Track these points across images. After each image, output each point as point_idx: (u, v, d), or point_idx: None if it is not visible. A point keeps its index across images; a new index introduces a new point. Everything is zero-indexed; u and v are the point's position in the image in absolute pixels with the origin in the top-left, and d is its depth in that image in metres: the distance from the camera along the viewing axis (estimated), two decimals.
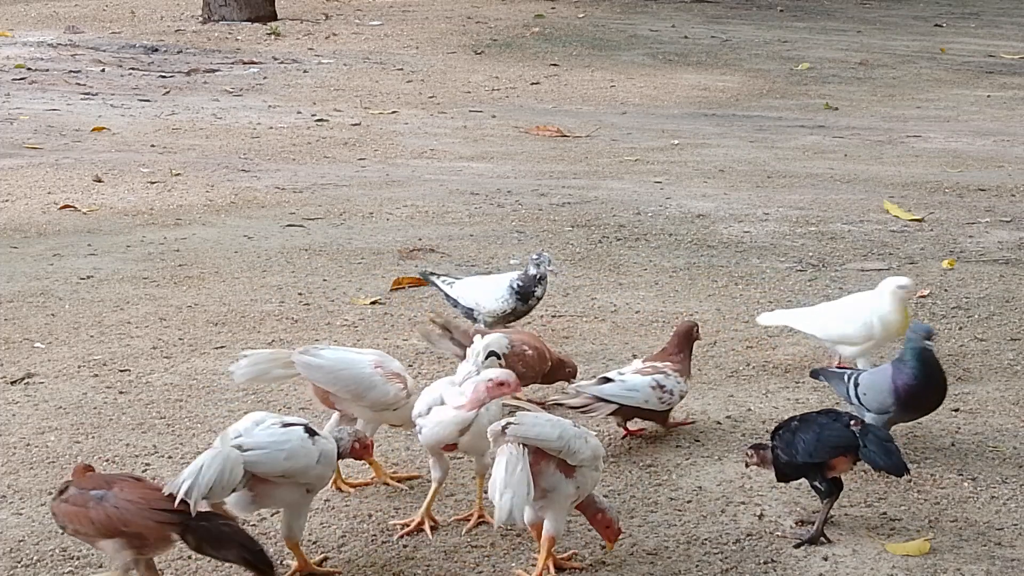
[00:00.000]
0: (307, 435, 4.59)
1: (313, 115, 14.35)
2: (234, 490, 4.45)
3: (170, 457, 5.61)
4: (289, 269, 8.35)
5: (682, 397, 5.80)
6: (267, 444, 4.50)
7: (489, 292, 6.74)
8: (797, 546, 4.88)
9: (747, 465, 5.19)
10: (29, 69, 17.10)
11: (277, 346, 6.92)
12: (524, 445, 4.46)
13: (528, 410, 4.85)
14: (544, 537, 4.60)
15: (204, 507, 4.36)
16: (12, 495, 5.28)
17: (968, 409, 6.16)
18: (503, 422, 4.49)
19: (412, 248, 8.81)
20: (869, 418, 5.35)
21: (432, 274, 7.01)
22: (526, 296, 6.71)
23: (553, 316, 7.51)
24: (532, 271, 6.72)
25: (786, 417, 5.23)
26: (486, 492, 4.63)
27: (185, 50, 19.06)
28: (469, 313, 6.79)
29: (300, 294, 7.85)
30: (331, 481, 5.11)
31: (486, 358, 5.01)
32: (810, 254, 8.80)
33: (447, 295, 6.89)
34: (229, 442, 4.45)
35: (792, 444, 4.93)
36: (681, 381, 5.79)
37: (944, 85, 17.65)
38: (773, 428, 5.11)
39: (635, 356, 6.80)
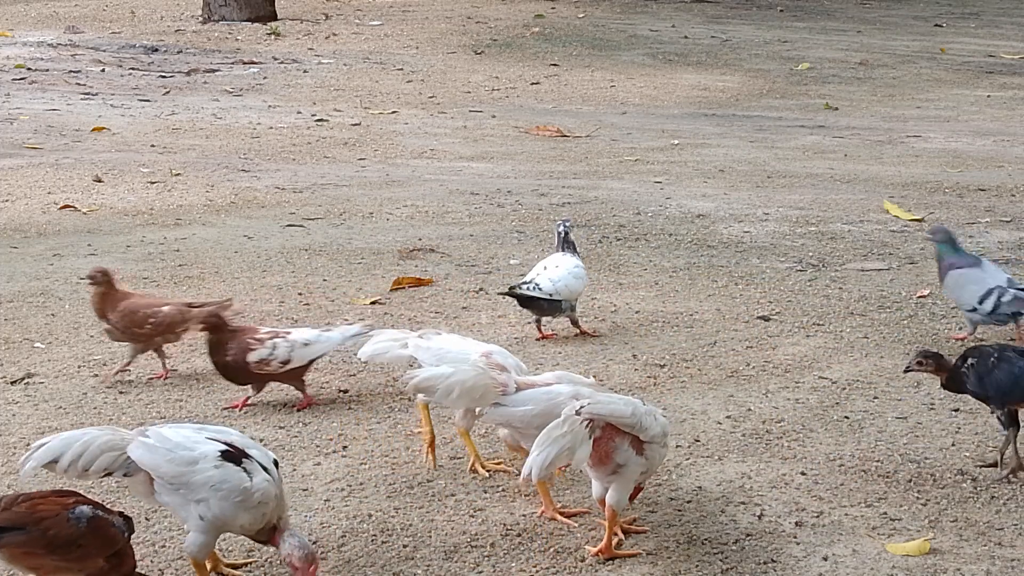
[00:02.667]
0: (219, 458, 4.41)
1: (313, 115, 14.35)
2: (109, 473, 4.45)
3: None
4: (289, 269, 8.35)
5: None
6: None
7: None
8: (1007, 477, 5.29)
9: (909, 369, 5.50)
10: (29, 69, 17.10)
11: None
12: (590, 423, 4.62)
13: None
14: (608, 509, 4.76)
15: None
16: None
17: (968, 409, 6.15)
18: (578, 404, 4.65)
19: (412, 248, 8.81)
20: None
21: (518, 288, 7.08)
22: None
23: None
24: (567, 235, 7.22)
25: (978, 345, 5.53)
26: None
27: (185, 50, 19.06)
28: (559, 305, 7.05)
29: (300, 294, 7.85)
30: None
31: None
32: (810, 254, 8.80)
33: (548, 299, 6.99)
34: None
35: (986, 378, 5.28)
36: None
37: (944, 85, 17.65)
38: (966, 351, 5.43)
39: (635, 356, 6.81)
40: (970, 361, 5.38)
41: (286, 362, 6.06)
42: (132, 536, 4.34)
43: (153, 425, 4.60)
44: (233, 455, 4.39)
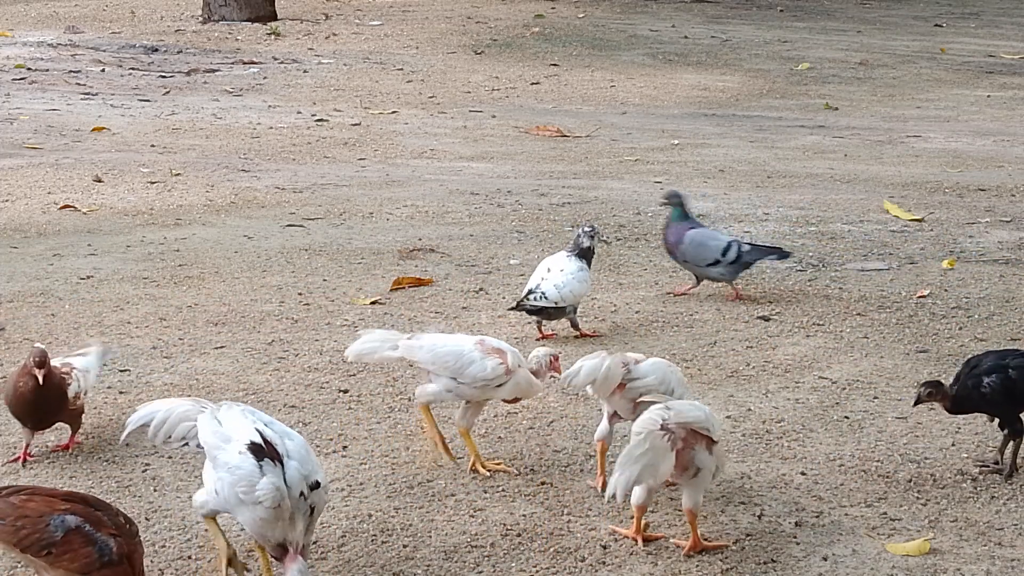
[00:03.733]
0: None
1: (313, 115, 14.35)
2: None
3: (170, 457, 5.61)
4: (289, 269, 8.35)
5: None
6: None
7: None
8: (1007, 477, 5.35)
9: (919, 403, 5.52)
10: (29, 69, 17.10)
11: (277, 346, 6.93)
12: (671, 436, 4.67)
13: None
14: (688, 513, 4.82)
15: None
16: None
17: None
18: (660, 418, 4.69)
19: (412, 248, 8.81)
20: None
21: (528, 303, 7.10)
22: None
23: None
24: (586, 243, 7.20)
25: (970, 362, 5.51)
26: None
27: (185, 50, 19.06)
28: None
29: (300, 294, 7.85)
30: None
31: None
32: (810, 254, 8.80)
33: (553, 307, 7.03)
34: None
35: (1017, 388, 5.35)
36: None
37: (944, 85, 17.65)
38: (959, 372, 5.50)
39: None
40: (990, 379, 5.36)
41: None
42: (120, 557, 4.21)
43: (231, 404, 4.64)
44: (259, 449, 4.37)
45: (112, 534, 4.21)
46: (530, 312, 7.08)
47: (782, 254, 7.99)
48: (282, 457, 4.37)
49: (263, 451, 4.38)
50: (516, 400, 5.63)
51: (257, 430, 4.44)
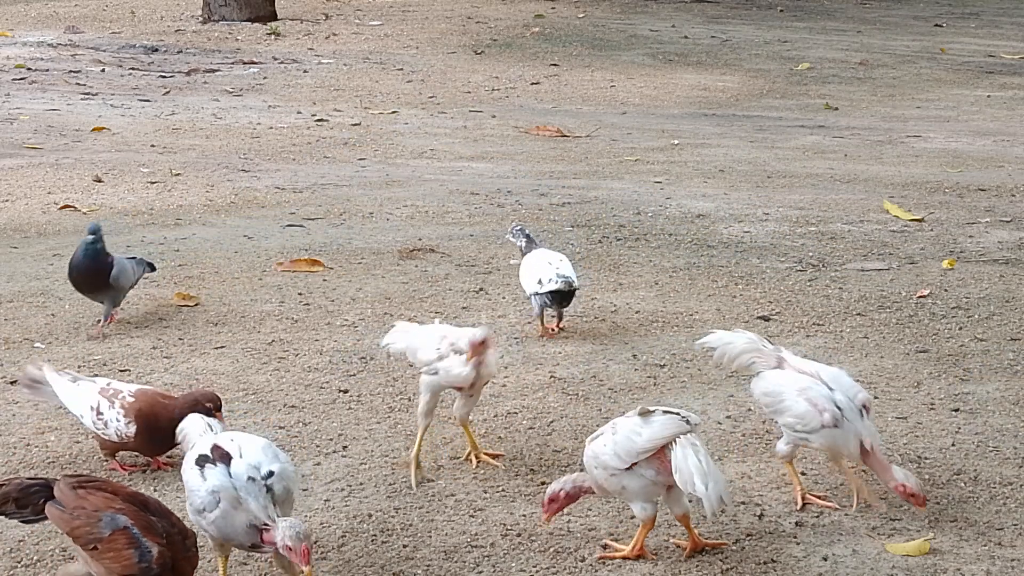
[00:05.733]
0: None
1: (313, 115, 14.35)
2: None
3: (169, 456, 5.61)
4: (290, 269, 8.35)
5: (120, 438, 5.47)
6: None
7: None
8: None
9: None
10: (29, 69, 17.10)
11: (277, 346, 6.93)
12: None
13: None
14: (681, 517, 4.82)
15: None
16: None
17: (968, 409, 6.16)
18: (688, 425, 4.66)
19: (412, 248, 8.81)
20: None
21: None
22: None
23: (553, 316, 7.50)
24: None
25: None
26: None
27: (185, 50, 19.06)
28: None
29: (300, 294, 7.85)
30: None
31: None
32: (810, 254, 8.80)
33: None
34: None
35: None
36: (123, 423, 5.45)
37: (944, 85, 17.65)
38: None
39: (635, 356, 6.81)
40: None
41: None
42: (162, 568, 4.22)
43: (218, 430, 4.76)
44: (203, 459, 4.47)
45: (158, 542, 4.21)
46: (562, 298, 7.07)
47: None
48: (230, 458, 4.44)
49: (207, 458, 4.46)
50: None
51: (213, 443, 4.53)
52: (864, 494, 5.16)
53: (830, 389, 5.06)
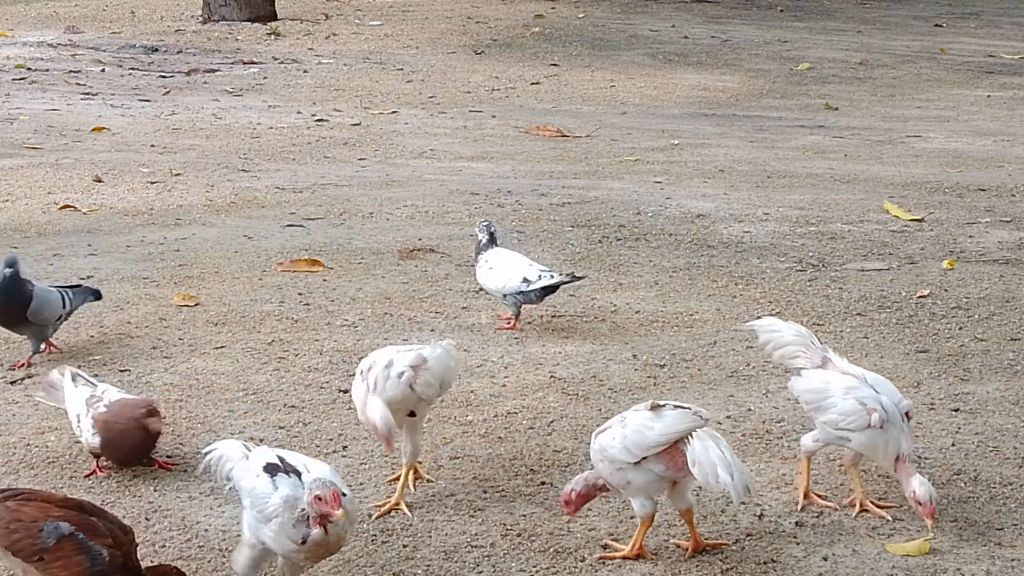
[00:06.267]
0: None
1: (313, 115, 14.35)
2: None
3: (169, 457, 5.61)
4: (289, 270, 8.35)
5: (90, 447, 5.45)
6: None
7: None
8: None
9: None
10: (29, 69, 17.10)
11: (277, 346, 6.93)
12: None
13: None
14: (685, 512, 4.84)
15: None
16: None
17: (968, 409, 6.16)
18: (701, 419, 4.68)
19: (412, 248, 8.81)
20: None
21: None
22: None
23: (553, 316, 7.51)
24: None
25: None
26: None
27: (185, 50, 19.06)
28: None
29: (300, 294, 7.85)
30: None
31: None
32: (810, 254, 8.80)
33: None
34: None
35: None
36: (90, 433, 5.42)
37: (944, 85, 17.65)
38: None
39: (635, 356, 6.81)
40: None
41: None
42: (112, 568, 4.18)
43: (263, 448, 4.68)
44: (273, 468, 4.40)
45: (107, 544, 4.18)
46: (552, 291, 7.22)
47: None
48: (299, 471, 4.39)
49: (278, 468, 4.39)
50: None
51: (277, 455, 4.47)
52: (866, 506, 5.14)
53: (876, 392, 5.04)
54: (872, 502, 5.17)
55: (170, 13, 22.44)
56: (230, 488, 4.58)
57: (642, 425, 4.69)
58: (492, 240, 7.34)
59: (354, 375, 5.28)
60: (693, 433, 4.65)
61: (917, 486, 4.90)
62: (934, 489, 4.89)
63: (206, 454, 4.63)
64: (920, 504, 4.89)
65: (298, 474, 4.38)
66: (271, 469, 4.40)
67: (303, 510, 4.28)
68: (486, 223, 7.45)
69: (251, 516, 4.40)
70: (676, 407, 4.72)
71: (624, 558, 4.81)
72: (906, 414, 5.03)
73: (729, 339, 7.11)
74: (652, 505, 4.78)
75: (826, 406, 5.08)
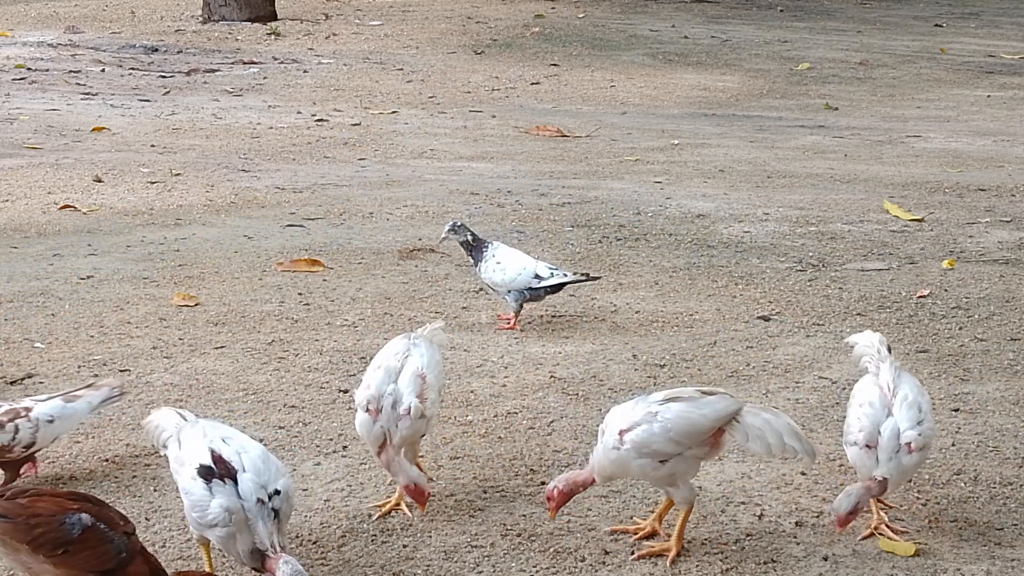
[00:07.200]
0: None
1: (313, 115, 14.35)
2: None
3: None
4: (289, 270, 8.35)
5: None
6: None
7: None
8: None
9: None
10: (29, 69, 17.10)
11: (277, 346, 6.93)
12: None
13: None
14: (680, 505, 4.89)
15: None
16: None
17: (968, 409, 6.16)
18: (738, 402, 4.80)
19: (412, 248, 8.81)
20: None
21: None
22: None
23: (553, 316, 7.51)
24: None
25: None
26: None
27: (185, 50, 19.06)
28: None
29: (300, 294, 7.85)
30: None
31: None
32: (810, 254, 8.80)
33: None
34: None
35: None
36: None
37: (944, 85, 17.65)
38: None
39: (635, 356, 6.81)
40: None
41: (30, 445, 5.27)
42: (133, 554, 4.24)
43: (195, 421, 4.70)
44: (208, 471, 4.41)
45: (125, 531, 4.25)
46: (558, 289, 7.30)
47: None
48: (235, 472, 4.39)
49: (212, 472, 4.40)
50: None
51: (211, 449, 4.46)
52: (881, 530, 5.04)
53: (885, 415, 4.93)
54: (887, 524, 5.05)
55: (170, 13, 22.44)
56: (165, 456, 4.68)
57: (685, 415, 4.73)
58: (476, 236, 7.35)
59: (355, 376, 5.25)
60: (741, 412, 4.76)
61: (842, 495, 4.82)
62: (848, 502, 4.79)
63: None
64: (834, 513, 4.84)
65: (234, 479, 4.38)
66: (206, 473, 4.40)
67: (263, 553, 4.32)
68: (459, 223, 7.38)
69: (190, 516, 4.46)
70: (703, 393, 4.81)
71: (673, 552, 4.81)
72: (907, 444, 4.90)
73: (729, 339, 7.11)
74: (693, 489, 4.86)
75: (847, 414, 5.09)
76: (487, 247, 7.29)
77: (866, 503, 4.86)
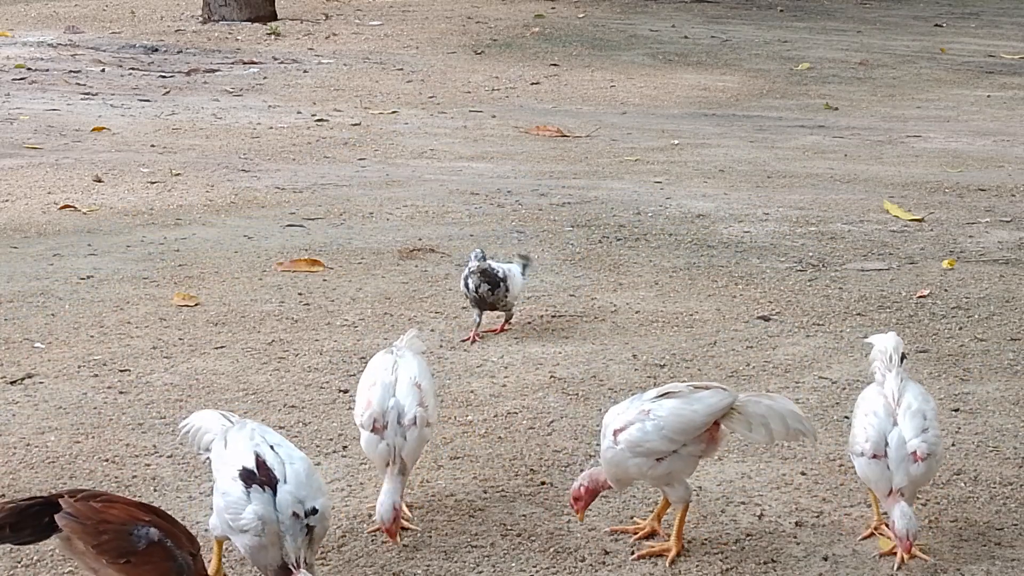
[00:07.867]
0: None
1: (313, 115, 14.35)
2: None
3: (170, 457, 5.61)
4: (289, 270, 8.35)
5: None
6: None
7: None
8: None
9: None
10: (29, 69, 17.10)
11: (277, 346, 6.93)
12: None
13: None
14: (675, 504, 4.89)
15: None
16: (12, 495, 5.27)
17: (968, 409, 6.16)
18: (733, 395, 4.82)
19: (412, 248, 8.81)
20: None
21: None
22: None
23: (553, 316, 7.51)
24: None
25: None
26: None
27: (185, 50, 19.06)
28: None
29: (300, 294, 7.85)
30: None
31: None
32: (810, 254, 8.80)
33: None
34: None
35: None
36: None
37: (944, 85, 17.65)
38: None
39: (635, 356, 6.81)
40: None
41: None
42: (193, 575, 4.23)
43: (245, 423, 4.63)
44: (249, 475, 4.35)
45: (191, 551, 4.22)
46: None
47: None
48: (276, 482, 4.35)
49: (254, 477, 4.35)
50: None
51: (257, 453, 4.41)
52: (881, 531, 5.03)
53: (890, 424, 4.88)
54: (887, 524, 4.98)
55: (170, 13, 22.44)
56: (207, 459, 4.63)
57: (679, 412, 4.72)
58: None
59: (355, 376, 5.23)
60: (743, 401, 4.78)
61: (898, 517, 4.73)
62: (915, 523, 4.72)
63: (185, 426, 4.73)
64: (897, 537, 4.76)
65: (273, 489, 4.33)
66: (247, 477, 4.36)
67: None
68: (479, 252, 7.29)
69: (222, 516, 4.40)
70: (695, 388, 4.81)
71: (673, 552, 4.80)
72: (913, 453, 4.84)
73: (729, 339, 7.11)
74: (689, 488, 4.85)
75: (852, 424, 5.04)
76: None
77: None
